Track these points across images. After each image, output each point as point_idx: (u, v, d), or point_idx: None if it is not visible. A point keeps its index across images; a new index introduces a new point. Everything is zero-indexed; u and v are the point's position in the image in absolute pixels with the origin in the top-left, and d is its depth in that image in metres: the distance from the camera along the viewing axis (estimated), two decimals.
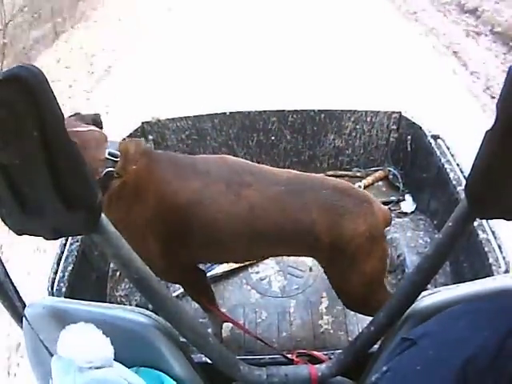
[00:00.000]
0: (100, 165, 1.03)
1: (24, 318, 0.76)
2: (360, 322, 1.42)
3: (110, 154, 1.05)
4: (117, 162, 1.05)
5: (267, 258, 1.29)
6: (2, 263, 0.77)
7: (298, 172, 1.20)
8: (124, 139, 1.20)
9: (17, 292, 0.79)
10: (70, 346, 0.68)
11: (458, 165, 1.56)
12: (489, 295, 0.75)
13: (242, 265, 1.61)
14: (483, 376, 0.54)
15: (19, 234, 0.57)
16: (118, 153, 1.06)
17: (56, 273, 1.27)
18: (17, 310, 0.79)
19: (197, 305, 1.49)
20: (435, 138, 1.71)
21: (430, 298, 0.78)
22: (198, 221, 1.09)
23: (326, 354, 1.03)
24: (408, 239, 1.68)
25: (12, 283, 0.79)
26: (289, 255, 1.29)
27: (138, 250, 1.13)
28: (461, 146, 1.65)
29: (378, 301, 1.20)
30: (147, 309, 0.87)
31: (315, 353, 1.03)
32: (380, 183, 1.96)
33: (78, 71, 4.31)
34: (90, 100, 3.89)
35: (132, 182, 1.07)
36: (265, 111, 1.96)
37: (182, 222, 1.09)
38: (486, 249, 1.24)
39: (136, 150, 1.10)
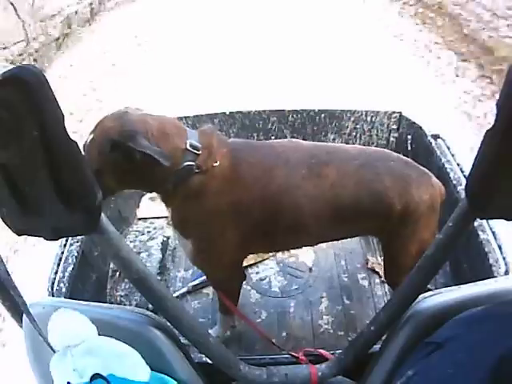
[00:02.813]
0: (180, 155, 1.00)
1: (24, 317, 0.76)
2: (360, 322, 1.42)
3: (191, 145, 1.01)
4: (198, 154, 1.01)
5: (336, 240, 1.35)
6: (3, 261, 0.77)
7: (363, 146, 1.27)
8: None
9: (18, 291, 0.79)
10: (59, 336, 0.70)
11: (458, 164, 1.56)
12: (490, 297, 0.75)
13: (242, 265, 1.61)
14: None
15: (19, 234, 0.57)
16: (200, 145, 1.02)
17: (56, 273, 1.27)
18: (18, 309, 0.78)
19: (197, 305, 1.49)
20: (435, 137, 1.71)
21: (431, 299, 0.78)
22: (286, 208, 1.10)
23: (332, 353, 1.02)
24: None
25: (13, 282, 0.79)
26: (357, 235, 1.33)
27: (214, 248, 1.14)
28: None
29: None
30: (147, 309, 0.87)
31: (322, 351, 1.02)
32: None
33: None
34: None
35: (215, 179, 1.04)
36: (265, 111, 1.96)
37: (269, 212, 1.10)
38: (486, 249, 1.24)
39: (218, 144, 1.06)
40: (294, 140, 1.23)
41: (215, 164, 1.03)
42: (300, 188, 1.09)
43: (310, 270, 1.61)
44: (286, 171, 1.09)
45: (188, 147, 1.00)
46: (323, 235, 1.24)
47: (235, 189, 1.05)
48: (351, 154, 1.16)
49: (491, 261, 1.21)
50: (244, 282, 1.57)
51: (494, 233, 1.27)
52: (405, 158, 1.24)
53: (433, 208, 1.16)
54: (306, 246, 1.41)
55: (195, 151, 1.01)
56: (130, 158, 0.95)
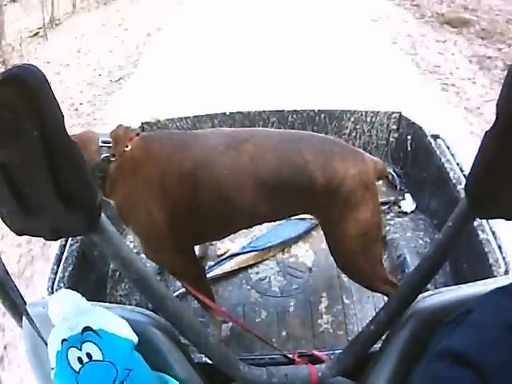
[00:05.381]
0: (96, 154, 1.12)
1: (24, 317, 0.76)
2: (360, 322, 1.42)
3: (102, 142, 1.14)
4: (110, 147, 1.14)
5: (272, 221, 1.37)
6: (2, 261, 0.77)
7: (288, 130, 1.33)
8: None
9: (18, 291, 0.79)
10: (58, 310, 0.73)
11: (457, 164, 1.56)
12: None
13: (242, 266, 1.61)
14: None
15: (19, 234, 0.57)
16: (110, 139, 1.15)
17: (56, 273, 1.27)
18: (18, 309, 0.78)
19: (197, 305, 1.49)
20: (435, 137, 1.71)
21: (431, 298, 0.78)
22: (205, 183, 1.14)
23: (327, 355, 1.02)
24: (408, 239, 1.67)
25: (13, 282, 0.79)
26: (290, 215, 1.33)
27: (147, 228, 1.17)
28: None
29: (372, 266, 1.22)
30: (147, 309, 0.87)
31: (317, 353, 1.02)
32: (380, 183, 1.95)
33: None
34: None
35: (128, 161, 1.14)
36: (264, 111, 1.96)
37: (189, 188, 1.14)
38: (486, 249, 1.24)
39: (126, 133, 1.18)
40: (219, 128, 1.30)
41: (126, 149, 1.14)
42: (218, 162, 1.14)
43: (310, 270, 1.61)
44: (202, 149, 1.15)
45: (100, 144, 1.13)
46: (252, 213, 1.21)
47: (146, 166, 1.14)
48: (273, 134, 1.23)
49: (491, 261, 1.21)
50: (244, 282, 1.58)
51: (493, 233, 1.27)
52: (334, 138, 1.27)
53: (364, 184, 1.15)
54: (241, 226, 1.34)
55: (107, 145, 1.14)
56: None
